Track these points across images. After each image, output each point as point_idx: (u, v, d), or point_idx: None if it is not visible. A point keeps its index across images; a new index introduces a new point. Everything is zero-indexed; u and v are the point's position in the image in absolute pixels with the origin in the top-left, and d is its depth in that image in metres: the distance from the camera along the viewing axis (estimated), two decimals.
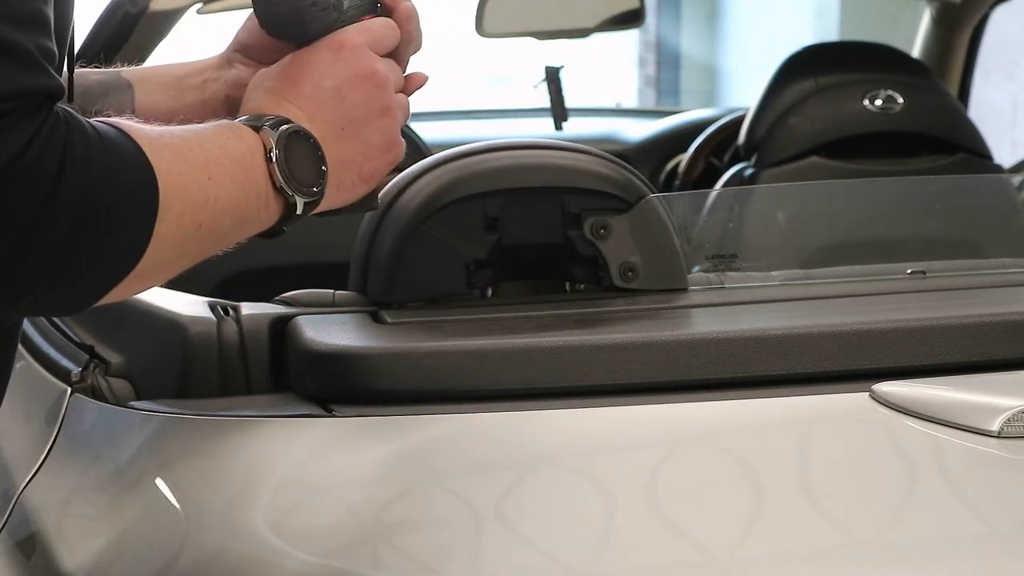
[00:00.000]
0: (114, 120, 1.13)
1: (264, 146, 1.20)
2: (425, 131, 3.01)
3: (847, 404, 1.29)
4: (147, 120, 1.16)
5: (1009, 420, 1.20)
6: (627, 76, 8.21)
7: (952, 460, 1.22)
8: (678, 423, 1.29)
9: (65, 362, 1.53)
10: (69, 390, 1.49)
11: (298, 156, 1.22)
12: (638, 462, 1.23)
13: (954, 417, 1.22)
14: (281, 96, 1.25)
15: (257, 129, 1.21)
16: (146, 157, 1.11)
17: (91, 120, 1.11)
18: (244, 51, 1.40)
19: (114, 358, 1.49)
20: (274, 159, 1.20)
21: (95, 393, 1.46)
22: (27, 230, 1.04)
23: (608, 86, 7.67)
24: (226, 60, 1.41)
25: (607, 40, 7.03)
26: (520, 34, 3.09)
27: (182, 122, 1.20)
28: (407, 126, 2.99)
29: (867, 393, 1.28)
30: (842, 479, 1.20)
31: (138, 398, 1.44)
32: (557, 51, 3.31)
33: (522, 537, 1.16)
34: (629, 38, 8.02)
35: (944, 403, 1.24)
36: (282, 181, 1.20)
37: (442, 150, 1.63)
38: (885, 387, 1.28)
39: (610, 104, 5.04)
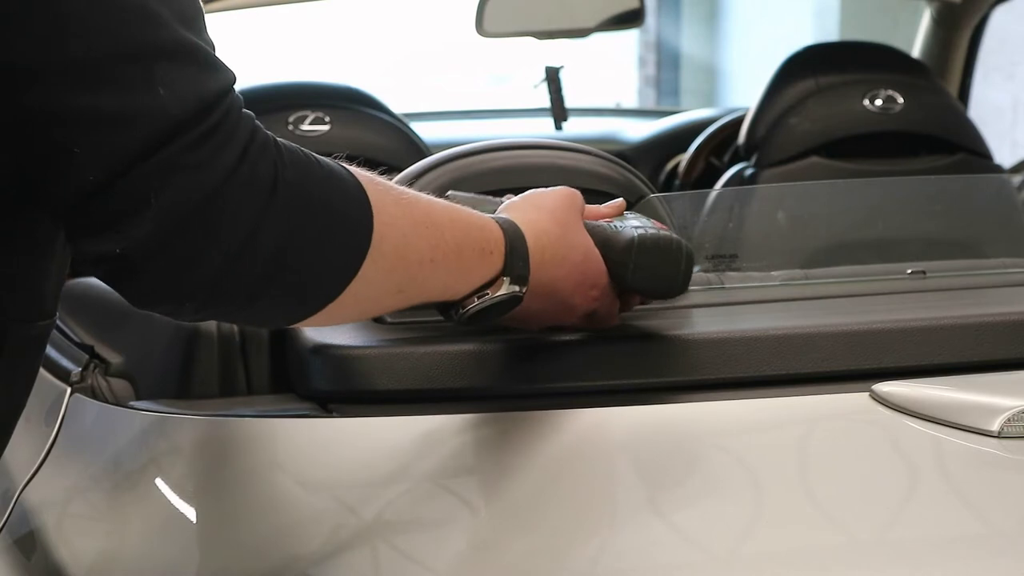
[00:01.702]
0: (359, 172, 1.15)
1: (501, 282, 1.25)
2: (425, 131, 3.01)
3: (847, 404, 1.29)
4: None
5: (1009, 420, 1.20)
6: (627, 76, 8.22)
7: (952, 460, 1.22)
8: (678, 423, 1.29)
9: (65, 362, 1.53)
10: (69, 390, 1.49)
11: (499, 311, 1.26)
12: (638, 462, 1.23)
13: (954, 417, 1.22)
14: (541, 257, 1.28)
15: (512, 275, 1.25)
16: (371, 210, 1.13)
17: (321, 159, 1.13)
18: None
19: (114, 358, 1.49)
20: (487, 304, 1.25)
21: (95, 393, 1.46)
22: (238, 247, 1.05)
23: (608, 86, 7.67)
24: None
25: (607, 40, 7.04)
26: (520, 34, 3.09)
27: None
28: (407, 126, 2.99)
29: (867, 393, 1.28)
30: (842, 479, 1.20)
31: (138, 398, 1.44)
32: (557, 51, 3.31)
33: (522, 537, 1.16)
34: (629, 38, 8.03)
35: (944, 403, 1.24)
36: (475, 311, 1.25)
37: (442, 150, 1.63)
38: (885, 387, 1.28)
39: (610, 104, 5.04)
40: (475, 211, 1.27)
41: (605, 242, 1.34)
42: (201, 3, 1.08)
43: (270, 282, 1.08)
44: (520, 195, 1.35)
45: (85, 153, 1.01)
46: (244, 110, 1.08)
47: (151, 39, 1.03)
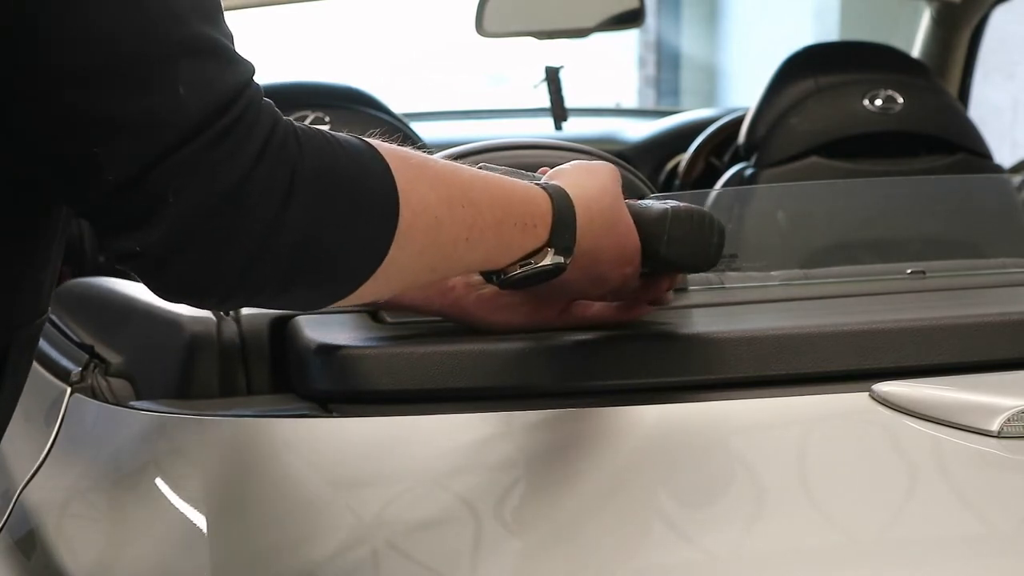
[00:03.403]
0: (382, 146, 1.14)
1: (545, 252, 1.24)
2: (425, 131, 3.00)
3: (847, 404, 1.29)
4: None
5: (1009, 420, 1.20)
6: (627, 76, 8.22)
7: (952, 460, 1.22)
8: (677, 423, 1.28)
9: (65, 362, 1.53)
10: (69, 390, 1.48)
11: (541, 279, 1.26)
12: (638, 462, 1.23)
13: (954, 417, 1.22)
14: (589, 226, 1.27)
15: (554, 245, 1.24)
16: (397, 195, 1.11)
17: (347, 137, 1.12)
18: None
19: (114, 358, 1.49)
20: (529, 273, 1.24)
21: (95, 393, 1.46)
22: (257, 243, 1.04)
23: (608, 86, 7.67)
24: None
25: (607, 40, 7.04)
26: (520, 34, 3.09)
27: None
28: (407, 126, 2.98)
29: (867, 393, 1.28)
30: (842, 479, 1.20)
31: (138, 398, 1.44)
32: (557, 51, 3.31)
33: (522, 537, 1.16)
34: (629, 38, 8.03)
35: (944, 403, 1.24)
36: (517, 279, 1.25)
37: (442, 150, 1.63)
38: (885, 387, 1.28)
39: (610, 104, 5.04)
40: (522, 182, 1.25)
41: (637, 216, 1.34)
42: None
43: (294, 275, 1.07)
44: (568, 163, 1.34)
45: (106, 155, 1.01)
46: (265, 100, 1.07)
47: (174, 38, 1.02)
